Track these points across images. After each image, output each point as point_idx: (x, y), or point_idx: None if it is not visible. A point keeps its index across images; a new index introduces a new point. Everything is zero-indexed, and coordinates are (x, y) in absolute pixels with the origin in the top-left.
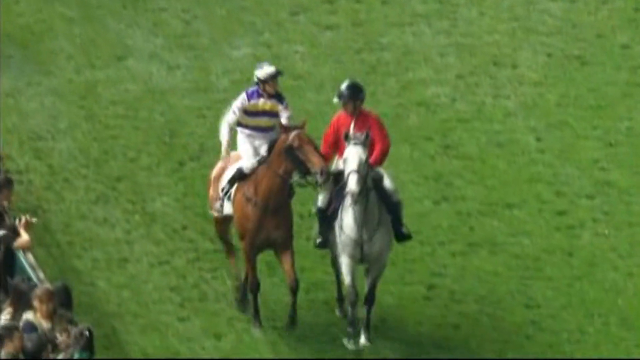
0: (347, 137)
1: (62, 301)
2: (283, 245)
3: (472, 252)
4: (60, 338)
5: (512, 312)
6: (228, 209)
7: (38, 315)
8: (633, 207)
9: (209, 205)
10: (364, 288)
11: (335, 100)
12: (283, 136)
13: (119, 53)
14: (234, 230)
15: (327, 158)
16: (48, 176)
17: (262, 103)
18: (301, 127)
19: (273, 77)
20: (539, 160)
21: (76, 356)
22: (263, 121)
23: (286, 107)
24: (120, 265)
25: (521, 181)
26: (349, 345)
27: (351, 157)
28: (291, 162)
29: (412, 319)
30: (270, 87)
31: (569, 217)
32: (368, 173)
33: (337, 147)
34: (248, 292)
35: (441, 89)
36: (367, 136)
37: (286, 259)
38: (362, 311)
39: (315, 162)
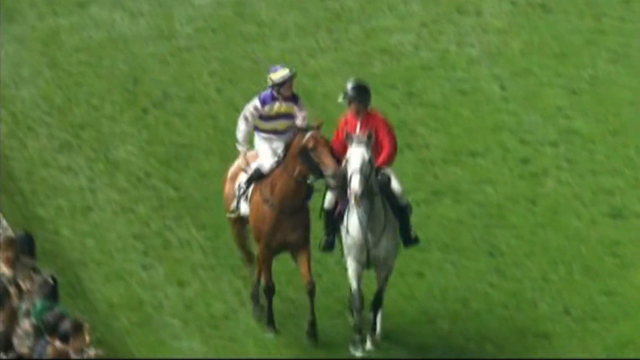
0: (348, 137)
1: (24, 249)
2: (300, 247)
3: (436, 200)
4: (24, 286)
5: (476, 260)
6: (245, 209)
7: (0, 263)
8: (596, 155)
9: (224, 206)
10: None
11: (340, 99)
12: (298, 138)
13: (81, 0)
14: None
15: (340, 158)
16: (11, 124)
17: (278, 106)
18: (316, 128)
19: (289, 80)
20: (503, 108)
21: (40, 304)
22: (280, 124)
23: (301, 108)
24: (83, 214)
25: (485, 129)
26: (356, 352)
27: (353, 158)
28: (305, 164)
29: None
30: (286, 90)
31: (533, 165)
32: (371, 173)
33: (346, 147)
34: (262, 296)
35: (405, 36)
36: (369, 136)
37: (303, 262)
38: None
39: (328, 165)
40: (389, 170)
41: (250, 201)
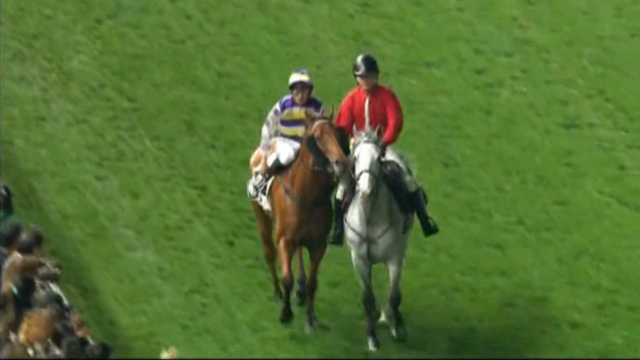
0: (357, 133)
1: None
2: (317, 242)
3: None
4: None
5: (431, 170)
6: (265, 204)
7: None
8: (551, 65)
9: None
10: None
11: (355, 73)
12: (309, 126)
13: None
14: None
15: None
16: None
17: (298, 112)
18: (328, 117)
19: (299, 86)
20: (457, 18)
21: None
22: (300, 130)
23: (322, 114)
24: (37, 124)
25: (440, 40)
26: (372, 347)
27: (363, 156)
28: (312, 153)
29: None
30: (298, 95)
31: (488, 75)
32: (381, 171)
33: (352, 126)
34: (281, 287)
35: None
36: (379, 133)
37: (315, 258)
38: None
39: (333, 152)
40: (398, 159)
41: (270, 194)
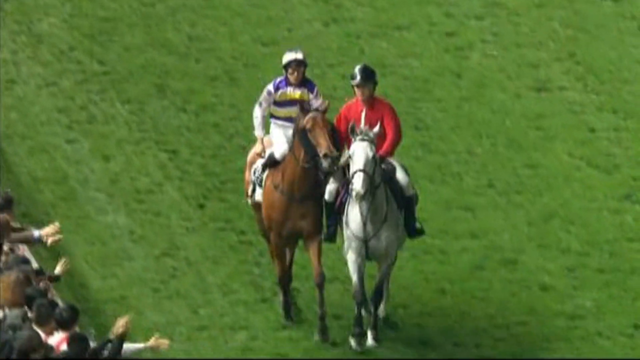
0: (353, 131)
1: None
2: (310, 236)
3: None
4: None
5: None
6: (259, 195)
7: None
8: (521, 28)
9: (245, 192)
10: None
11: (351, 82)
12: (301, 119)
13: None
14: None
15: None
16: None
17: (291, 92)
18: (321, 110)
19: (294, 64)
20: None
21: None
22: (294, 111)
23: (317, 95)
24: (7, 87)
25: (410, 3)
26: (355, 346)
27: (357, 155)
28: (303, 145)
29: None
30: (292, 74)
31: (458, 39)
32: (375, 171)
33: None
34: (278, 285)
35: None
36: (375, 132)
37: (313, 251)
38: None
39: (322, 145)
40: (395, 161)
41: (263, 188)
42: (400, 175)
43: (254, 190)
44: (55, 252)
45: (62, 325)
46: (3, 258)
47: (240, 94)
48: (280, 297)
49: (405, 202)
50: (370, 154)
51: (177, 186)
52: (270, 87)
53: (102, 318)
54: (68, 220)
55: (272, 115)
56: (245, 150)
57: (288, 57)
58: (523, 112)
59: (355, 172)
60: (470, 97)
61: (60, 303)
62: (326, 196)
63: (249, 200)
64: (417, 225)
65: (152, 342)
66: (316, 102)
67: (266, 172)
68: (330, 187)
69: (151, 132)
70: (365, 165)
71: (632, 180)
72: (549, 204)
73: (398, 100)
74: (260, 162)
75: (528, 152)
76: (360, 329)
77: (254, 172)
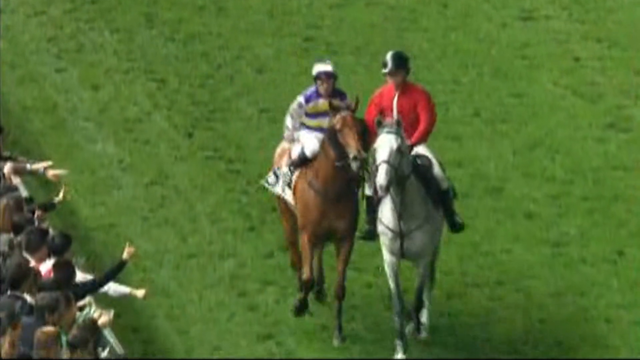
0: (379, 123)
1: None
2: (344, 239)
3: (349, 4)
4: None
5: None
6: (288, 196)
7: None
8: None
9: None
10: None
11: (383, 70)
12: (332, 118)
13: None
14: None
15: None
16: None
17: (322, 103)
18: (350, 109)
19: (324, 76)
20: None
21: None
22: (325, 122)
23: (346, 105)
24: None
25: None
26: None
27: (382, 147)
28: (332, 146)
29: (290, 71)
30: (322, 85)
31: None
32: (401, 162)
33: None
34: (302, 286)
35: None
36: (399, 124)
37: (342, 256)
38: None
39: (351, 146)
40: (431, 154)
41: (294, 188)
42: (436, 169)
43: (275, 181)
44: (44, 180)
45: (55, 252)
46: None
47: (228, 24)
48: (299, 295)
49: (441, 196)
50: (395, 146)
51: (166, 115)
52: (301, 99)
53: (91, 246)
54: (57, 149)
55: (302, 125)
56: (232, 79)
57: (318, 68)
58: (509, 41)
59: (379, 164)
60: (457, 27)
61: (51, 231)
62: (367, 190)
63: (266, 185)
64: (458, 219)
65: (139, 291)
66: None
67: (297, 172)
68: (370, 180)
69: (140, 61)
70: (389, 157)
71: (616, 109)
72: (534, 133)
73: (385, 29)
74: (286, 162)
75: (514, 81)
76: (401, 341)
77: (283, 173)
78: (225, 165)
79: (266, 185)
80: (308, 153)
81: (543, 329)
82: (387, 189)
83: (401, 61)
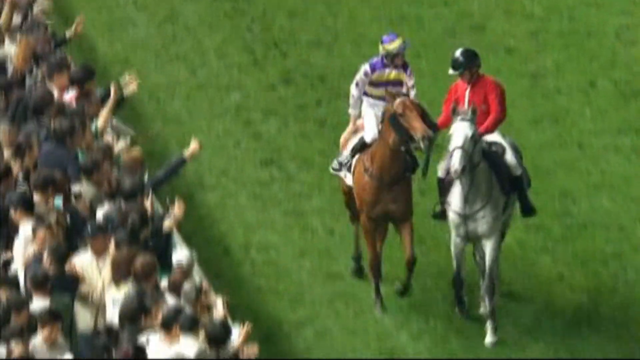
0: (454, 111)
1: None
2: (401, 218)
3: None
4: None
5: None
6: (349, 180)
7: None
8: None
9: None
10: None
11: (451, 71)
12: (390, 104)
13: None
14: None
15: (442, 125)
16: None
17: (388, 73)
18: (410, 88)
19: (403, 50)
20: None
21: None
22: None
23: (410, 75)
24: None
25: None
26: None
27: (456, 134)
28: (396, 131)
29: None
30: (399, 60)
31: None
32: (475, 150)
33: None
34: (368, 270)
35: None
36: (474, 112)
37: (405, 233)
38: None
39: (417, 129)
40: (506, 141)
41: (353, 172)
42: (508, 156)
43: (339, 168)
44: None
45: (77, 81)
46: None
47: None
48: (372, 283)
49: (514, 182)
50: (470, 133)
51: None
52: (367, 67)
53: (108, 78)
54: None
55: (365, 94)
56: None
57: (396, 45)
58: None
59: (453, 150)
60: None
61: (72, 65)
62: (439, 173)
63: (333, 172)
64: (530, 203)
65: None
66: (410, 81)
67: (356, 157)
68: (442, 164)
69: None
70: (463, 143)
71: None
72: None
73: None
74: (350, 146)
75: None
76: (493, 321)
77: (344, 157)
78: (231, 4)
79: (332, 172)
80: (368, 139)
81: (523, 155)
82: (460, 173)
83: (470, 58)
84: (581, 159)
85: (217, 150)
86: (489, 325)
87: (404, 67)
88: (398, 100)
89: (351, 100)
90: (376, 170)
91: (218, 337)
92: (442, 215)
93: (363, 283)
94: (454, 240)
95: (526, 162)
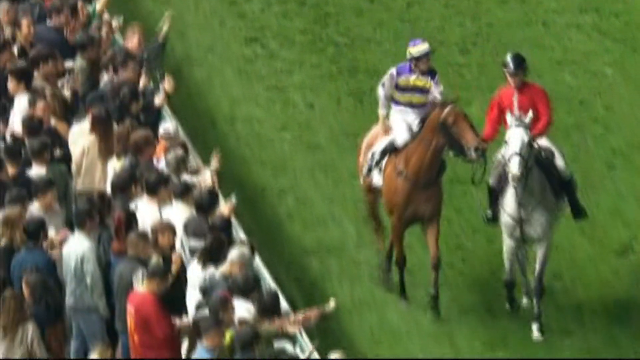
0: (510, 117)
1: None
2: (430, 220)
3: None
4: None
5: None
6: (377, 180)
7: None
8: None
9: (358, 174)
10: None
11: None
12: (436, 111)
13: None
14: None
15: (488, 138)
16: None
17: (414, 79)
18: (454, 101)
19: (426, 55)
20: None
21: None
22: (415, 97)
23: (437, 83)
24: None
25: None
26: (537, 334)
27: (513, 140)
28: (445, 139)
29: None
30: (424, 65)
31: None
32: (530, 155)
33: (501, 120)
34: (394, 266)
35: None
36: (530, 118)
37: (431, 234)
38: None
39: (469, 139)
40: (553, 146)
41: (383, 173)
42: (558, 161)
43: (369, 171)
44: None
45: None
46: None
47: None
48: (397, 277)
49: (564, 186)
50: (526, 139)
51: None
52: (393, 70)
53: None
54: None
55: (392, 100)
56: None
57: (419, 49)
58: None
59: (511, 155)
60: None
61: None
62: (491, 181)
63: (362, 179)
64: (581, 207)
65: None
66: (437, 89)
67: (386, 158)
68: (494, 171)
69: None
70: (521, 149)
71: None
72: None
73: None
74: (379, 147)
75: None
76: (538, 318)
77: (372, 156)
78: None
79: (362, 180)
80: (399, 143)
81: (490, 32)
82: (520, 179)
83: (521, 62)
84: (545, 36)
85: (204, 29)
86: (534, 327)
87: (431, 74)
88: (448, 109)
89: (379, 101)
90: (412, 173)
91: (205, 204)
92: (492, 220)
93: (342, 154)
94: (507, 243)
95: (493, 38)
